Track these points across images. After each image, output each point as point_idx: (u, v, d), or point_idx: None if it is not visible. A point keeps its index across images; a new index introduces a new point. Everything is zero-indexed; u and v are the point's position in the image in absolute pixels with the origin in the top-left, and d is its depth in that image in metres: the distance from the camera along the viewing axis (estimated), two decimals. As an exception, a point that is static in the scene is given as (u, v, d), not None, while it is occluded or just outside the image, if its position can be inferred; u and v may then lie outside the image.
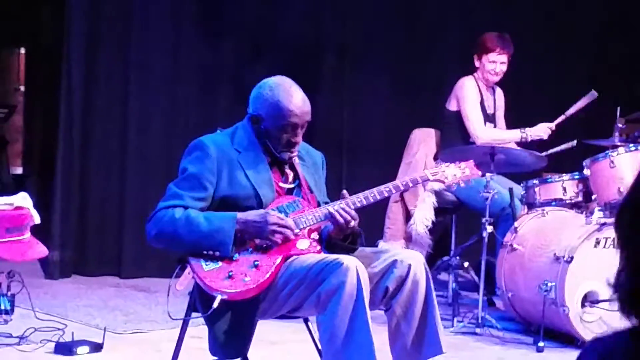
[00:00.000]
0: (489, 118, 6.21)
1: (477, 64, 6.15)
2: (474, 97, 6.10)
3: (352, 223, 3.62)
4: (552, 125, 6.10)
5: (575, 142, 5.93)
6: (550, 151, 5.90)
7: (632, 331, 1.32)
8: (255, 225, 3.51)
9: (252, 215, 3.53)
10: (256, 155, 3.68)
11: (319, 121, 5.52)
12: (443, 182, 3.87)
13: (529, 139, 6.02)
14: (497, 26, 6.36)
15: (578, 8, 7.90)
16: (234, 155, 3.64)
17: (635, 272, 1.26)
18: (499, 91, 6.33)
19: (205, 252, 3.49)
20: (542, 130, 6.07)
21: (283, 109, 3.62)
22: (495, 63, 6.09)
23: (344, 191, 3.70)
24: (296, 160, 3.78)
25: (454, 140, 6.07)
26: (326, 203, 3.76)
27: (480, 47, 6.12)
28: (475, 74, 6.16)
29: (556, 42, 7.82)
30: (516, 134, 6.07)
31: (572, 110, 6.05)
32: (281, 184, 3.73)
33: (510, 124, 6.33)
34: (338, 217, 3.59)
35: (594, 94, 5.99)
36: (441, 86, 6.35)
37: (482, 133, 6.03)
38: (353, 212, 3.61)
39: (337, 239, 3.68)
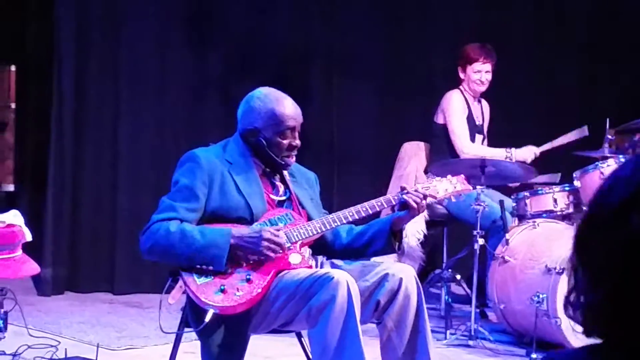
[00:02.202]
0: (478, 129, 6.22)
1: (462, 75, 6.17)
2: (460, 111, 6.12)
3: (423, 202, 3.71)
4: (538, 151, 6.11)
5: (586, 128, 5.95)
6: (558, 141, 5.95)
7: (591, 348, 1.30)
8: (250, 240, 3.52)
9: (247, 230, 3.55)
10: (247, 166, 3.72)
11: (308, 133, 5.50)
12: (435, 197, 3.88)
13: (514, 160, 6.00)
14: (487, 37, 6.39)
15: (567, 17, 7.94)
16: (226, 166, 3.68)
17: (593, 286, 1.26)
18: (485, 104, 6.35)
19: (198, 267, 3.50)
20: (527, 153, 6.07)
21: (279, 115, 3.70)
22: (480, 72, 6.11)
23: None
24: (287, 176, 3.81)
25: (443, 153, 6.08)
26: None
27: (464, 58, 6.15)
28: (461, 87, 6.18)
29: (545, 53, 7.85)
30: (501, 154, 6.05)
31: (560, 142, 6.07)
32: (272, 196, 3.76)
33: (500, 134, 6.35)
34: (411, 201, 3.67)
35: (584, 130, 6.00)
36: (431, 98, 6.37)
37: (467, 148, 6.04)
38: (420, 192, 3.70)
39: (401, 227, 3.78)
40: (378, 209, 3.77)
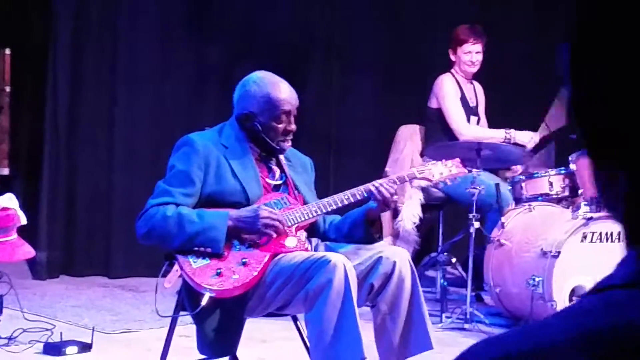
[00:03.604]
0: (472, 111, 6.22)
1: (453, 58, 6.18)
2: (453, 94, 6.12)
3: (395, 197, 3.70)
4: (537, 137, 6.10)
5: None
6: (549, 115, 5.94)
7: None
8: (247, 220, 3.51)
9: (243, 211, 3.54)
10: (243, 151, 3.70)
11: (306, 119, 5.50)
12: (430, 180, 3.88)
13: (512, 141, 6.01)
14: (483, 23, 6.37)
15: (562, 5, 7.92)
16: (221, 151, 3.66)
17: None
18: (478, 86, 6.34)
19: (196, 249, 3.49)
20: (527, 138, 6.07)
21: (274, 100, 3.68)
22: (471, 53, 6.11)
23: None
24: (283, 160, 3.80)
25: (438, 137, 6.08)
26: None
27: (454, 40, 6.15)
28: (452, 70, 6.18)
29: (540, 40, 7.84)
30: (500, 134, 6.06)
31: (549, 117, 6.05)
32: (268, 180, 3.75)
33: (497, 117, 6.35)
34: (383, 191, 3.64)
35: (563, 93, 5.97)
36: (428, 84, 6.37)
37: (466, 130, 6.04)
38: (393, 188, 3.68)
39: (376, 217, 3.73)
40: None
